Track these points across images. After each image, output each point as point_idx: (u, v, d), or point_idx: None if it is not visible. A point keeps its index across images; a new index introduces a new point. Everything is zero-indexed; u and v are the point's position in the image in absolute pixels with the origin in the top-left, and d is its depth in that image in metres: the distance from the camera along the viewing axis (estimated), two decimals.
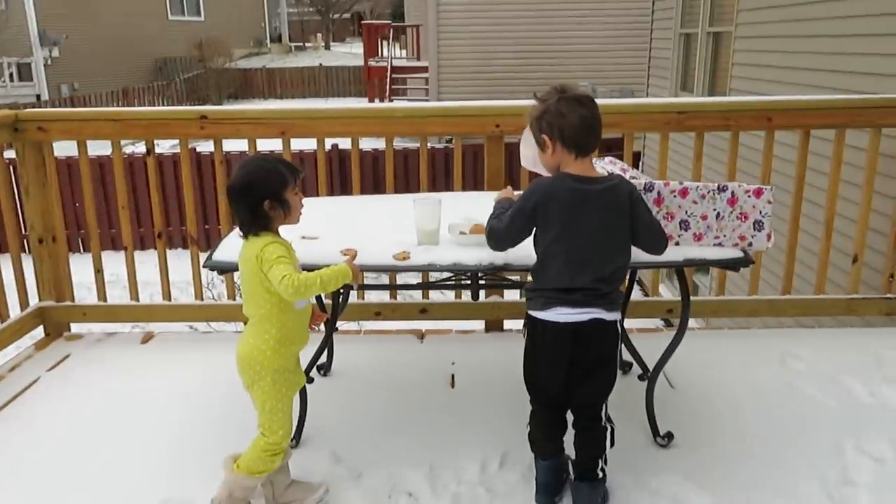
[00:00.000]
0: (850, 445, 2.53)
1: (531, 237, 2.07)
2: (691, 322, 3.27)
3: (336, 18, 39.41)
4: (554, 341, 2.04)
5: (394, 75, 15.72)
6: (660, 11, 8.47)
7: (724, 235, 2.25)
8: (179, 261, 3.98)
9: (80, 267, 4.37)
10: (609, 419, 2.15)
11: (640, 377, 2.62)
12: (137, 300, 3.65)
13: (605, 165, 2.56)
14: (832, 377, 3.03)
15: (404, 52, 21.15)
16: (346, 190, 9.95)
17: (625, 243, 2.03)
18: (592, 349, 2.04)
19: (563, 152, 2.00)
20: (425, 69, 15.02)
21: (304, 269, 2.07)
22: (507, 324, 3.68)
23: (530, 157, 2.53)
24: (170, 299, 3.65)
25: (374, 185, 9.78)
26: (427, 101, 14.51)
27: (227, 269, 2.28)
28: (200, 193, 9.85)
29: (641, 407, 2.61)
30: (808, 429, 2.65)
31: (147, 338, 3.59)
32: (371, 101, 16.47)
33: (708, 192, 2.22)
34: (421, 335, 3.61)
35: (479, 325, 3.72)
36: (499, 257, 2.21)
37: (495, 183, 3.42)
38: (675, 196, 2.24)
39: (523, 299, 2.14)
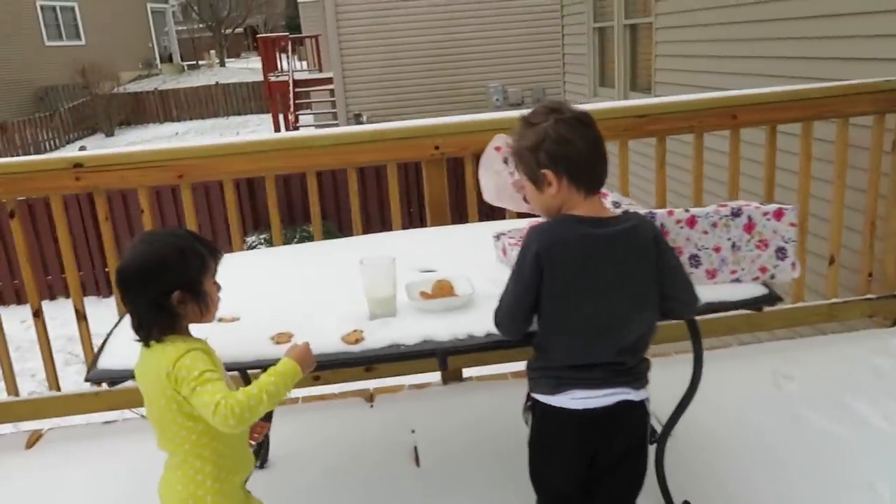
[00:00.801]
0: (887, 487, 2.21)
1: None
2: (667, 346, 2.92)
3: (228, 33, 37.89)
4: (569, 433, 1.60)
5: (297, 89, 15.00)
6: (570, 6, 8.23)
7: (742, 269, 1.86)
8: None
9: None
10: None
11: (650, 439, 2.20)
12: (16, 394, 2.96)
13: None
14: (834, 399, 2.72)
15: (304, 63, 20.39)
16: (258, 224, 9.34)
17: (653, 300, 1.59)
18: (620, 439, 1.60)
19: (569, 190, 1.56)
20: (330, 80, 14.39)
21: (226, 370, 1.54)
22: (466, 371, 3.22)
23: (493, 188, 2.09)
24: (58, 387, 2.98)
25: (288, 214, 9.16)
26: (334, 112, 13.90)
27: (119, 380, 1.71)
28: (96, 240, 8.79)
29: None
30: (832, 472, 2.31)
31: (34, 439, 2.91)
32: (275, 117, 15.67)
33: (720, 220, 1.83)
34: (369, 396, 3.10)
35: (433, 376, 3.24)
36: (480, 327, 1.74)
37: (438, 211, 2.95)
38: (681, 227, 1.83)
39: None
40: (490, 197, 2.12)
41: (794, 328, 3.37)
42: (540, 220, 2.06)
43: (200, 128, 23.36)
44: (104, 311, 3.08)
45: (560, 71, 9.31)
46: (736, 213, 1.83)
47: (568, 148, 1.53)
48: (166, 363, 1.44)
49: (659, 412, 2.18)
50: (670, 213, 1.83)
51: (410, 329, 1.75)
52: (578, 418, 1.57)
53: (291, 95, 14.63)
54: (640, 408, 1.61)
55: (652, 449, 2.19)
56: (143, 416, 3.44)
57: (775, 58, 4.43)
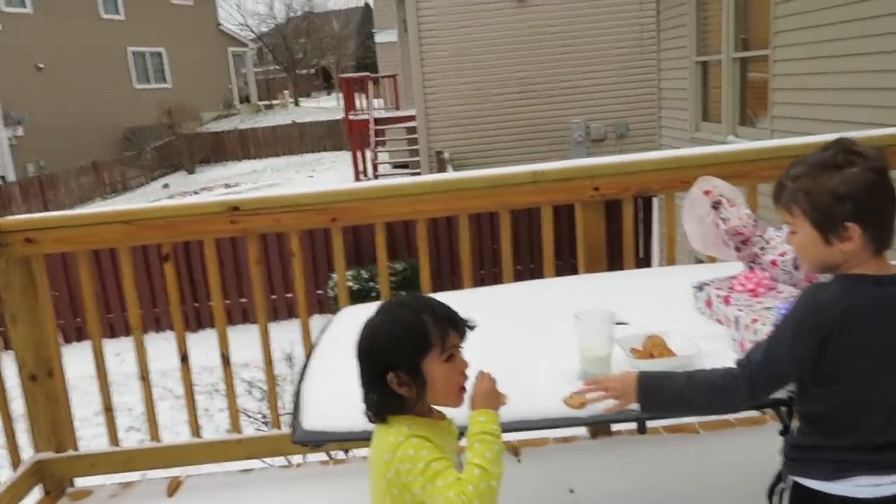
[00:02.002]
0: None
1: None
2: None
3: (302, 74, 39.15)
4: None
5: (376, 127, 15.21)
6: (669, 40, 8.05)
7: None
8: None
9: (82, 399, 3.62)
10: None
11: None
12: (158, 440, 2.92)
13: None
14: None
15: (381, 101, 20.78)
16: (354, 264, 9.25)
17: None
18: None
19: (864, 248, 1.36)
20: (407, 119, 14.55)
21: None
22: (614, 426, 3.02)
23: (698, 235, 1.92)
24: (198, 434, 2.92)
25: (356, 256, 9.07)
26: (413, 150, 14.00)
27: (324, 443, 1.59)
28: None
29: None
30: None
31: (174, 486, 2.85)
32: (354, 155, 15.90)
33: None
34: (514, 450, 2.92)
35: (579, 429, 3.05)
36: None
37: (594, 259, 2.79)
38: None
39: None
40: (697, 244, 1.95)
41: None
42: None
43: (276, 165, 24.02)
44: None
45: (647, 104, 9.11)
46: None
47: (883, 201, 1.35)
48: (387, 449, 1.33)
49: None
50: None
51: None
52: None
53: (372, 133, 14.82)
54: None
55: None
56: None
57: None
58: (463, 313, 1.43)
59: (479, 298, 2.36)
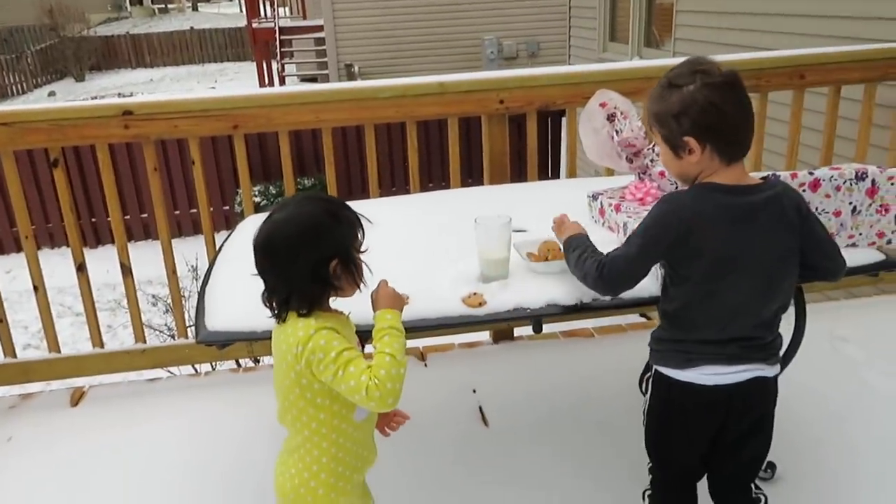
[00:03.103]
0: None
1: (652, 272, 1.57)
2: None
3: None
4: (700, 409, 1.55)
5: (282, 37, 14.52)
6: None
7: (860, 234, 1.83)
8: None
9: None
10: (759, 487, 1.70)
11: None
12: (58, 350, 2.85)
13: None
14: (889, 359, 2.75)
15: (287, 10, 19.76)
16: (269, 177, 9.01)
17: (794, 273, 1.53)
18: (748, 416, 1.56)
19: (711, 158, 1.46)
20: (316, 28, 13.94)
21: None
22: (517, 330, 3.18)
23: (594, 147, 2.01)
24: (101, 344, 2.88)
25: (299, 166, 8.87)
26: (322, 62, 13.51)
27: (230, 343, 1.62)
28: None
29: None
30: (889, 426, 2.34)
31: (77, 396, 2.82)
32: (259, 66, 15.17)
33: (844, 183, 1.78)
34: (421, 355, 3.05)
35: (482, 335, 3.20)
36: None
37: (499, 172, 2.86)
38: (804, 190, 1.78)
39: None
40: (592, 155, 2.04)
41: (847, 289, 3.39)
42: (653, 185, 1.99)
43: (175, 75, 22.61)
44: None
45: (558, 24, 9.14)
46: (861, 177, 1.78)
47: (716, 116, 1.42)
48: (296, 342, 1.35)
49: None
50: (793, 175, 1.77)
51: (531, 291, 1.69)
52: (708, 394, 1.51)
53: (278, 43, 14.16)
54: (773, 384, 1.57)
55: None
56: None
57: (819, 17, 4.33)
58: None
59: (384, 206, 2.39)
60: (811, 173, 1.78)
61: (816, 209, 1.80)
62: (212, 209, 2.72)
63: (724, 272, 1.46)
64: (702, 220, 1.45)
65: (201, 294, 1.77)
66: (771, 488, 2.07)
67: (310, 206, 1.39)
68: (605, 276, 1.54)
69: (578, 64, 8.05)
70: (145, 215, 8.65)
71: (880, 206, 1.80)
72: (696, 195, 1.49)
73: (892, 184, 1.78)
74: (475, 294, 1.67)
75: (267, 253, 1.37)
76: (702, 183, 1.49)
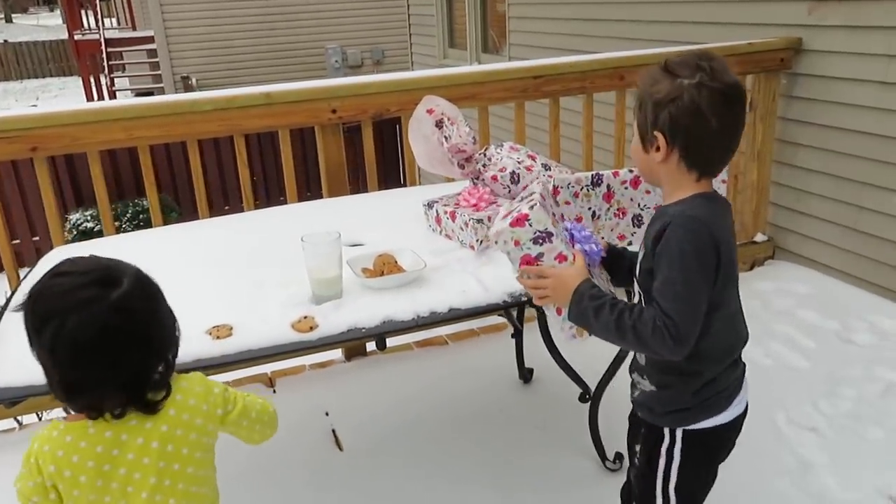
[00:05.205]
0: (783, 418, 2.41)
1: None
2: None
3: None
4: (732, 441, 1.42)
5: (109, 49, 13.53)
6: None
7: (602, 237, 1.82)
8: None
9: None
10: None
11: (582, 398, 2.22)
12: None
13: (507, 154, 2.07)
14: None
15: (112, 20, 18.50)
16: (82, 200, 8.28)
17: None
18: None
19: (679, 167, 1.28)
20: (147, 40, 13.11)
21: None
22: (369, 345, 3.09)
23: (424, 154, 1.97)
24: None
25: (116, 188, 8.25)
26: (157, 75, 12.73)
27: (21, 399, 1.40)
28: None
29: (577, 430, 2.24)
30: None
31: None
32: (86, 81, 14.04)
33: (581, 189, 1.81)
34: (269, 381, 2.88)
35: (335, 353, 3.08)
36: (439, 302, 1.63)
37: (337, 184, 2.77)
38: (626, 188, 1.83)
39: None
40: (423, 163, 1.99)
41: None
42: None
43: None
44: None
45: (402, 31, 9.16)
46: (596, 182, 1.80)
47: (696, 122, 1.22)
48: (201, 400, 1.22)
49: (589, 371, 2.22)
50: (615, 174, 1.82)
51: (366, 310, 1.60)
52: (739, 422, 1.39)
53: (105, 56, 13.17)
54: None
55: (585, 407, 2.24)
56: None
57: (637, 21, 4.58)
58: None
59: (211, 229, 2.22)
60: (631, 171, 1.83)
61: (639, 205, 1.85)
62: (17, 241, 2.41)
63: (734, 283, 1.32)
64: (719, 230, 1.26)
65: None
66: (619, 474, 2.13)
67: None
68: (681, 336, 1.21)
69: (421, 70, 8.10)
70: None
71: (617, 209, 1.85)
72: (697, 204, 1.27)
73: (626, 188, 1.84)
74: (306, 318, 1.57)
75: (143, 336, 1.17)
76: (699, 193, 1.29)
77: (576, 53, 3.25)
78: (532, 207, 1.32)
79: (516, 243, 1.34)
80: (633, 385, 1.45)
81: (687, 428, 1.36)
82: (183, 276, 1.81)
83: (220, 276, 1.82)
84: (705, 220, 1.24)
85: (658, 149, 1.27)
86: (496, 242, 1.36)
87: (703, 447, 1.38)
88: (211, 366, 1.44)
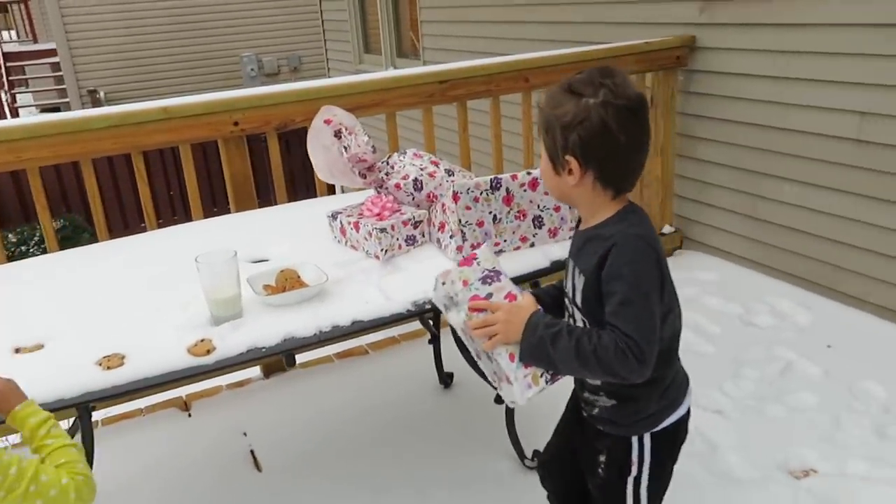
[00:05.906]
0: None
1: None
2: None
3: None
4: (686, 430, 1.46)
5: (8, 64, 12.88)
6: None
7: (504, 240, 1.86)
8: None
9: None
10: None
11: (498, 399, 2.24)
12: None
13: (410, 161, 2.07)
14: None
15: (11, 33, 17.65)
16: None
17: None
18: None
19: (595, 188, 1.28)
20: (50, 52, 12.55)
21: None
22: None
23: (324, 165, 1.95)
24: None
25: (21, 210, 7.87)
26: (62, 89, 12.19)
27: None
28: None
29: (497, 431, 2.26)
30: None
31: None
32: None
33: (481, 194, 1.81)
34: (184, 405, 2.79)
35: (252, 371, 3.01)
36: (342, 315, 1.61)
37: (244, 197, 2.71)
38: (525, 190, 1.85)
39: None
40: (323, 174, 1.97)
41: None
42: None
43: None
44: None
45: (317, 37, 9.07)
46: (495, 187, 1.80)
47: (606, 141, 1.22)
48: None
49: None
50: (514, 177, 1.84)
51: (266, 328, 1.57)
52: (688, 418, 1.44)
53: (3, 71, 12.53)
54: None
55: (501, 409, 2.26)
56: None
57: (542, 23, 4.67)
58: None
59: (110, 252, 2.13)
60: (529, 173, 1.85)
61: (539, 206, 1.88)
62: None
63: (672, 286, 1.33)
64: (656, 241, 1.28)
65: None
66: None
67: None
68: (644, 357, 1.20)
69: (338, 76, 8.03)
70: None
71: (518, 212, 1.88)
72: (632, 221, 1.29)
73: (525, 190, 1.87)
74: (203, 341, 1.52)
75: None
76: (636, 209, 1.31)
77: (486, 56, 3.29)
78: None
79: (464, 283, 1.33)
80: (588, 403, 1.43)
81: (657, 429, 1.38)
82: (77, 305, 1.73)
83: (116, 302, 1.75)
84: (645, 236, 1.26)
85: (571, 171, 1.26)
86: (443, 284, 1.34)
87: (669, 442, 1.41)
88: (102, 398, 1.38)
